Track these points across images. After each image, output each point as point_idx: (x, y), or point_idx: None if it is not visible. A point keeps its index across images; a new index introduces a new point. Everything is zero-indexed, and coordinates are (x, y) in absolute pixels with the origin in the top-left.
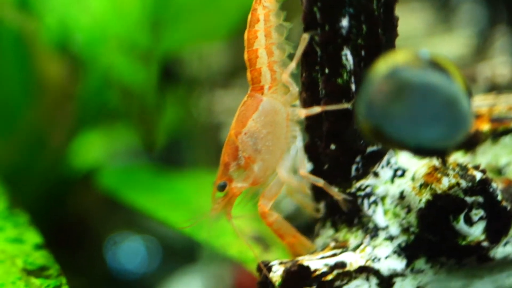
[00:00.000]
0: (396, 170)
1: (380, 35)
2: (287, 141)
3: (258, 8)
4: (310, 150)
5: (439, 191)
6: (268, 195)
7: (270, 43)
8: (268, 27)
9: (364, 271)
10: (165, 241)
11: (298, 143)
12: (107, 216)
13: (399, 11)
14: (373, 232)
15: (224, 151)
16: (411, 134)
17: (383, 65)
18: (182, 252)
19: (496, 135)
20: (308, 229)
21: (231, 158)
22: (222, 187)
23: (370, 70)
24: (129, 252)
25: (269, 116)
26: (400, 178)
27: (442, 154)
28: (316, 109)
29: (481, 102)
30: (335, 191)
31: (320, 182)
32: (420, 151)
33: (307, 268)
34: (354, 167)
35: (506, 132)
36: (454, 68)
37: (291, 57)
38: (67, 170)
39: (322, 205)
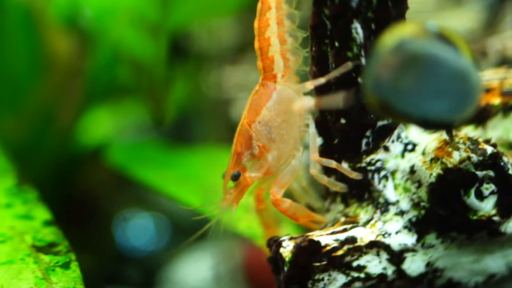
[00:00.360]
0: (406, 145)
1: (390, 8)
2: (300, 129)
3: (267, 2)
4: (320, 125)
5: (449, 165)
6: (280, 183)
7: (283, 30)
8: (280, 14)
9: (375, 246)
10: (174, 218)
11: (311, 130)
12: (116, 192)
13: None
14: (384, 207)
15: (237, 140)
16: (418, 107)
17: (390, 38)
18: (191, 229)
19: (507, 109)
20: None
21: (244, 147)
22: (236, 177)
23: (377, 43)
24: (138, 229)
25: (283, 104)
26: (410, 153)
27: (449, 127)
28: (321, 80)
29: (492, 76)
30: (347, 170)
31: (333, 164)
32: (427, 125)
33: (318, 243)
34: (364, 141)
35: None
36: (462, 41)
37: (303, 44)
38: (76, 146)
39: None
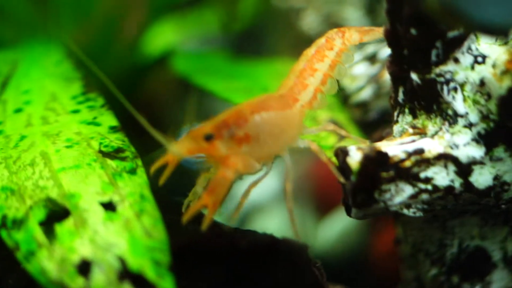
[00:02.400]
0: (476, 57)
1: None
2: (280, 151)
3: (337, 40)
4: (390, 35)
5: None
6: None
7: (330, 74)
8: (335, 60)
9: (443, 158)
10: None
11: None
12: (180, 100)
13: None
14: (452, 119)
15: (232, 112)
16: (479, 8)
17: None
18: None
19: None
20: (385, 116)
21: (233, 123)
22: (209, 136)
23: None
24: None
25: (285, 124)
26: (480, 65)
27: (506, 34)
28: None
29: None
30: (336, 172)
31: (289, 205)
32: (487, 29)
33: (385, 154)
34: (434, 52)
35: None
36: None
37: None
38: (141, 56)
39: (400, 91)
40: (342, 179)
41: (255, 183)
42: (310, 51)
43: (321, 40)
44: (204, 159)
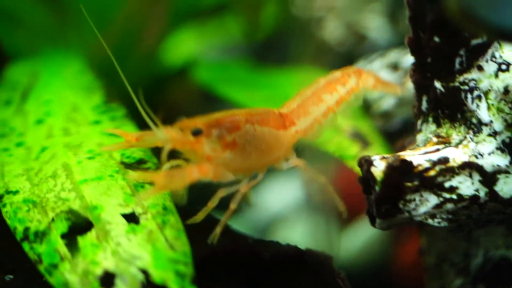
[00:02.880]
0: (500, 64)
1: None
2: (260, 169)
3: (352, 78)
4: (413, 43)
5: None
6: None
7: (334, 109)
8: (344, 97)
9: (467, 167)
10: None
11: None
12: (201, 111)
13: None
14: (477, 127)
15: (227, 115)
16: (499, 14)
17: None
18: None
19: None
20: (407, 125)
21: (225, 126)
22: (197, 131)
23: None
24: None
25: (274, 144)
26: (504, 73)
27: None
28: None
29: None
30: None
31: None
32: (506, 35)
33: (410, 163)
34: (457, 60)
35: None
36: None
37: None
38: (161, 65)
39: (424, 99)
40: (341, 207)
41: (225, 190)
42: (322, 80)
43: (337, 73)
44: (183, 151)
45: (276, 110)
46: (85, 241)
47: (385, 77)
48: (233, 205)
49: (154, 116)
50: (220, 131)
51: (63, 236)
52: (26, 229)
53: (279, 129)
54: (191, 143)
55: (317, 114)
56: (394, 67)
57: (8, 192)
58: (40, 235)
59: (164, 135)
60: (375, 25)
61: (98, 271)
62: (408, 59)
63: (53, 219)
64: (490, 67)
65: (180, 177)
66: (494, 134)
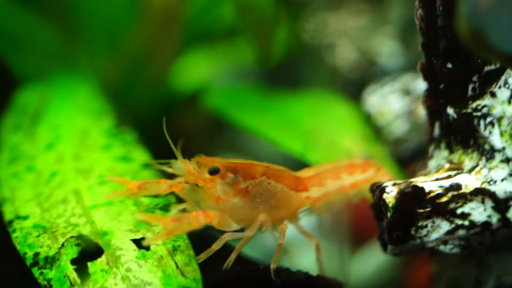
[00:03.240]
0: None
1: None
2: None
3: (371, 170)
4: (426, 69)
5: None
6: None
7: (347, 189)
8: (359, 183)
9: (480, 193)
10: None
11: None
12: (212, 138)
13: None
14: (489, 154)
15: (246, 163)
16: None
17: None
18: None
19: None
20: (418, 151)
21: (242, 172)
22: (214, 170)
23: None
24: None
25: (283, 203)
26: None
27: None
28: None
29: None
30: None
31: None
32: None
33: (422, 189)
34: (470, 86)
35: None
36: None
37: None
38: (172, 90)
39: (436, 125)
40: (322, 270)
41: (231, 235)
42: (344, 161)
43: (359, 159)
44: (193, 188)
45: (292, 172)
46: (95, 266)
47: (396, 102)
48: (234, 254)
49: (175, 148)
50: (236, 176)
51: (73, 262)
52: (36, 255)
53: (292, 190)
54: (206, 180)
55: (331, 188)
56: (406, 91)
57: (19, 217)
58: (50, 261)
59: (180, 167)
60: (386, 49)
61: None
62: (419, 84)
63: (63, 245)
64: (503, 93)
65: (187, 222)
66: (506, 160)
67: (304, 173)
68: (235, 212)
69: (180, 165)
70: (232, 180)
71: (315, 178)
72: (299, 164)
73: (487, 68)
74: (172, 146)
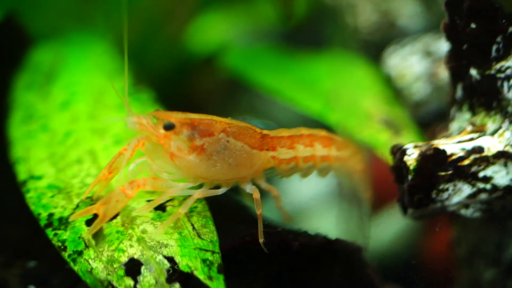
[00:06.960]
0: None
1: None
2: (223, 183)
3: (346, 151)
4: (449, 29)
5: None
6: (156, 185)
7: (316, 160)
8: (332, 159)
9: (503, 156)
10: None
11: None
12: (229, 99)
13: None
14: None
15: (204, 118)
16: None
17: None
18: None
19: None
20: (439, 114)
21: (199, 129)
22: (169, 126)
23: None
24: None
25: (243, 161)
26: None
27: None
28: None
29: None
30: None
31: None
32: None
33: (443, 152)
34: (494, 47)
35: None
36: None
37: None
38: (189, 50)
39: (459, 87)
40: (261, 240)
41: (203, 193)
42: (322, 133)
43: (340, 138)
44: (154, 144)
45: (259, 129)
46: (110, 228)
47: (417, 64)
48: (182, 210)
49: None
50: (191, 132)
51: (88, 223)
52: (50, 215)
53: (254, 149)
54: (159, 135)
55: (300, 154)
56: (427, 53)
57: (33, 177)
58: (65, 222)
59: (134, 121)
60: (407, 10)
61: (123, 259)
62: (440, 45)
63: (78, 205)
64: None
65: (116, 200)
66: None
67: (277, 132)
68: (191, 170)
69: (134, 119)
70: (188, 136)
71: (286, 140)
72: (318, 126)
73: (511, 29)
74: (121, 97)
